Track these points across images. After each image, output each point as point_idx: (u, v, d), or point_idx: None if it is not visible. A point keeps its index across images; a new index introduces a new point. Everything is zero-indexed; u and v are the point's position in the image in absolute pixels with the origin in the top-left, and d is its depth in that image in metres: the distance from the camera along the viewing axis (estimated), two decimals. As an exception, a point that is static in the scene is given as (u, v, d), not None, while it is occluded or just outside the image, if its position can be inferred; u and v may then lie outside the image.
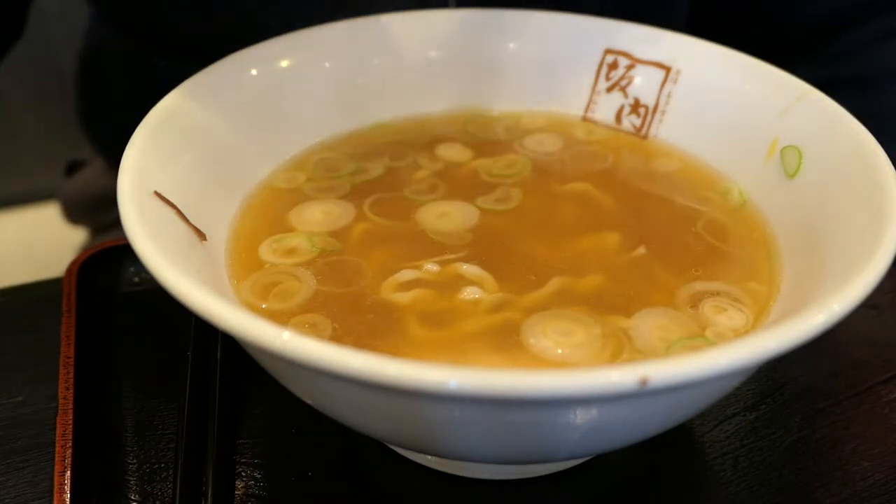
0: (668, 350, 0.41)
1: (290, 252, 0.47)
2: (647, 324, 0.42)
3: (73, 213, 1.00)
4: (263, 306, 0.43)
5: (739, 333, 0.42)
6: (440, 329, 0.42)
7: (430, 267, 0.45)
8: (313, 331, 0.42)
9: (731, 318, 0.43)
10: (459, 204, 0.50)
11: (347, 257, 0.46)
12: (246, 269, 0.45)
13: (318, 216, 0.49)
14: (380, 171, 0.54)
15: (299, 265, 0.46)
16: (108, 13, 0.79)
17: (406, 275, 0.45)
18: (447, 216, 0.49)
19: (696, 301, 0.43)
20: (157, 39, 0.75)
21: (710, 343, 0.41)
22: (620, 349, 0.41)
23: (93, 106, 0.90)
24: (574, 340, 0.41)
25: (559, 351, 0.40)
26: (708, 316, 0.43)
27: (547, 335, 0.41)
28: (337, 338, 0.41)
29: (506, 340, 0.41)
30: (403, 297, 0.43)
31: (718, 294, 0.44)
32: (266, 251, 0.46)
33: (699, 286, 0.44)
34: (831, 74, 0.77)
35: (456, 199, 0.51)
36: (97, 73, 0.88)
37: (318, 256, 0.46)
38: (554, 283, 0.44)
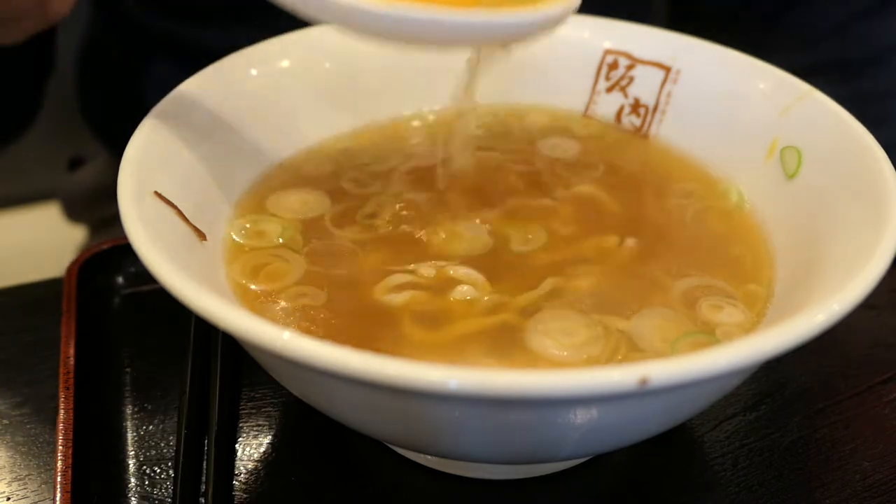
0: (672, 348, 0.41)
1: (259, 235, 0.47)
2: (647, 324, 0.42)
3: (74, 209, 1.00)
4: (252, 287, 0.44)
5: (744, 329, 0.42)
6: (435, 331, 0.42)
7: (426, 271, 0.45)
8: (308, 300, 0.42)
9: (731, 315, 0.43)
10: (471, 225, 0.49)
11: (339, 244, 0.47)
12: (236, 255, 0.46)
13: (297, 205, 0.50)
14: (385, 172, 0.54)
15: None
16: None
17: (399, 277, 0.44)
18: (458, 237, 0.48)
19: (691, 300, 0.44)
20: (153, 4, 0.74)
21: (712, 338, 0.41)
22: (620, 349, 0.41)
23: (94, 102, 0.90)
24: (575, 341, 0.41)
25: (562, 352, 0.40)
26: (706, 315, 0.43)
27: (549, 335, 0.41)
28: (330, 328, 0.41)
29: (501, 341, 0.41)
30: (397, 299, 0.43)
31: (712, 292, 0.44)
32: (236, 229, 0.47)
33: (693, 281, 0.45)
34: (814, 59, 0.77)
35: (462, 203, 0.51)
36: (98, 69, 0.88)
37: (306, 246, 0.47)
38: (550, 284, 0.44)
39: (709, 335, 0.42)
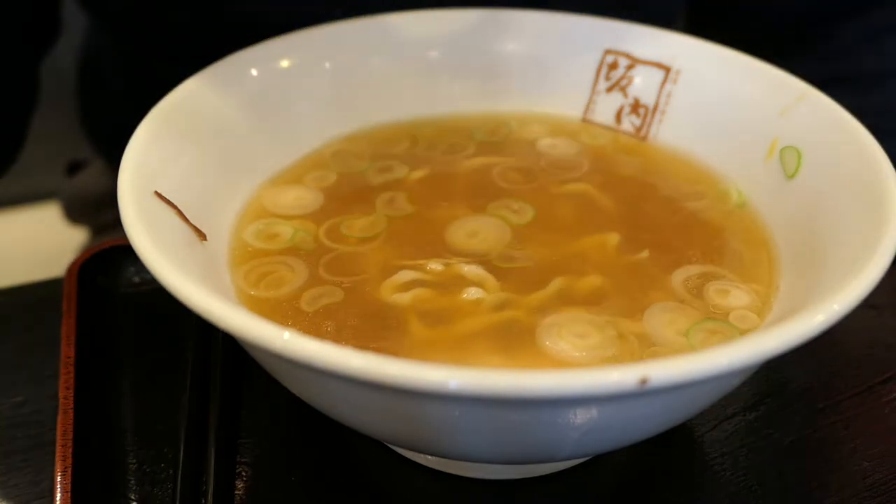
0: (687, 339, 0.41)
1: (267, 238, 0.47)
2: (658, 318, 0.42)
3: (74, 213, 1.00)
4: (252, 293, 0.43)
5: (756, 311, 0.43)
6: (442, 329, 0.42)
7: (434, 266, 0.45)
8: (320, 302, 0.43)
9: (739, 297, 0.44)
10: (490, 220, 0.49)
11: (344, 244, 0.47)
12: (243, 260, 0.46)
13: (294, 203, 0.50)
14: (388, 174, 0.54)
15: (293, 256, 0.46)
16: (106, 20, 0.79)
17: (406, 275, 0.45)
18: (478, 235, 0.48)
19: (697, 290, 0.44)
20: (154, 44, 0.75)
21: (724, 324, 0.42)
22: (636, 348, 0.41)
23: (92, 107, 0.90)
24: (590, 342, 0.41)
25: (578, 354, 0.40)
26: (715, 300, 0.43)
27: (563, 337, 0.41)
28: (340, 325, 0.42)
29: (510, 340, 0.41)
30: (405, 297, 0.43)
31: (716, 277, 0.45)
32: (250, 234, 0.47)
33: (695, 269, 0.45)
34: (831, 71, 0.77)
35: (461, 202, 0.51)
36: (96, 75, 0.88)
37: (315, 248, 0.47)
38: (556, 284, 0.44)
39: (721, 322, 0.42)
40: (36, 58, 0.74)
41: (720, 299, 0.44)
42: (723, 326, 0.42)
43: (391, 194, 0.51)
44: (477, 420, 0.34)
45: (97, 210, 0.95)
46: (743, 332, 0.42)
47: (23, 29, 0.70)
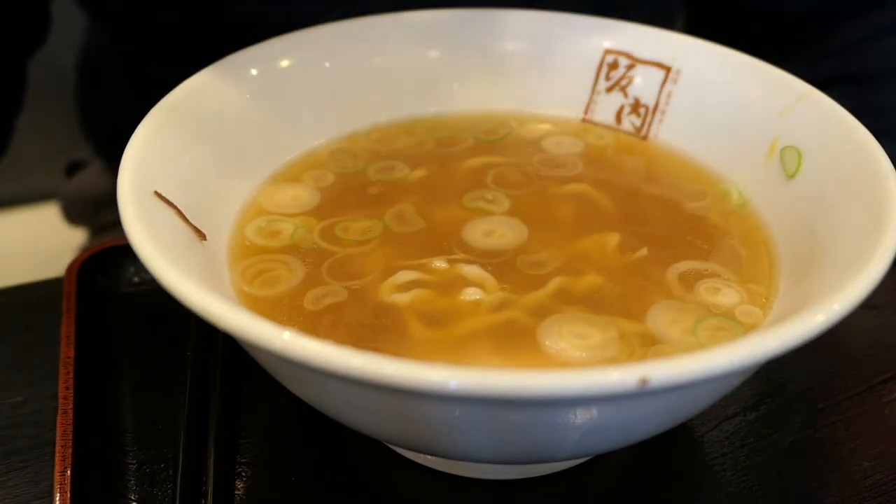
0: (695, 336, 0.41)
1: (274, 235, 0.47)
2: (661, 318, 0.42)
3: (73, 214, 1.00)
4: (246, 289, 0.43)
5: (760, 306, 0.43)
6: (441, 329, 0.42)
7: (437, 264, 0.45)
8: (328, 299, 0.43)
9: (739, 297, 0.44)
10: (507, 220, 0.49)
11: (342, 244, 0.47)
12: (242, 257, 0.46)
13: (292, 202, 0.50)
14: (388, 174, 0.54)
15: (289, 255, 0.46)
16: (105, 21, 0.79)
17: (405, 276, 0.45)
18: (494, 234, 0.48)
19: (697, 288, 0.44)
20: (154, 45, 0.75)
21: (729, 320, 0.42)
22: (638, 349, 0.41)
23: (92, 107, 0.90)
24: (591, 342, 0.41)
25: (580, 354, 0.40)
26: (715, 300, 0.43)
27: (563, 337, 0.41)
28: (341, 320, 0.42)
29: (510, 340, 0.41)
30: (403, 298, 0.43)
31: (716, 276, 0.45)
32: (251, 230, 0.47)
33: (693, 269, 0.45)
34: (831, 71, 0.77)
35: (458, 202, 0.51)
36: (96, 75, 0.88)
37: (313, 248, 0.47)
38: (555, 284, 0.44)
39: (726, 318, 0.42)
40: (23, 56, 0.73)
41: (721, 298, 0.44)
42: (728, 323, 0.42)
43: (391, 193, 0.51)
44: (477, 420, 0.34)
45: (97, 210, 0.95)
46: (748, 328, 0.42)
47: (10, 27, 0.70)
